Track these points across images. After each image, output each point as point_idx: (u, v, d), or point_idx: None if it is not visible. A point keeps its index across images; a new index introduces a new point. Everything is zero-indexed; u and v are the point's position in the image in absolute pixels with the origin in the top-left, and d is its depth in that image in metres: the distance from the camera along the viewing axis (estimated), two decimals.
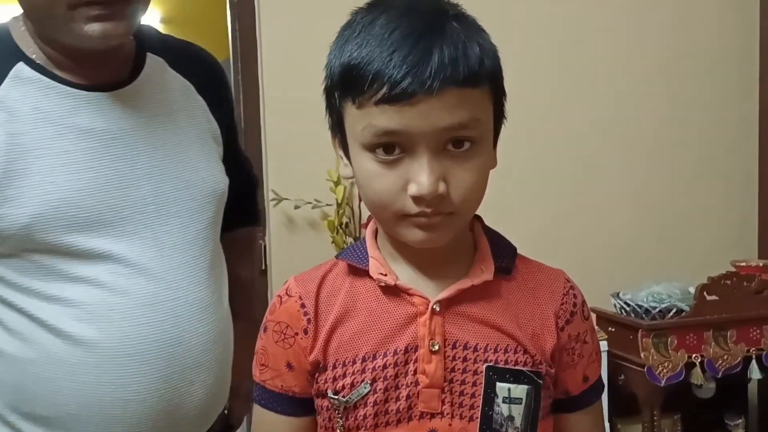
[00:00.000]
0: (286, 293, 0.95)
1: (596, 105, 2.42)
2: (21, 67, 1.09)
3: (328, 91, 0.88)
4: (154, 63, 1.21)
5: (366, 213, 2.05)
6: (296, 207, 2.19)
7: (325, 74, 0.88)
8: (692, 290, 2.07)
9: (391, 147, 0.82)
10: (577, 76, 2.40)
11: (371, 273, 0.90)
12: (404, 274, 0.91)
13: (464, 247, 0.93)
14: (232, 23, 2.28)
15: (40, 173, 1.06)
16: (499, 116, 0.89)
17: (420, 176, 0.80)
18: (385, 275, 0.90)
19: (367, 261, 0.92)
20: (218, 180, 1.25)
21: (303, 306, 0.93)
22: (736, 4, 2.50)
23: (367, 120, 0.81)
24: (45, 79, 1.09)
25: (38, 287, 1.08)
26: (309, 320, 0.92)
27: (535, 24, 2.37)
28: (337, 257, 0.96)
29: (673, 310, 2.02)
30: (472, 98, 0.82)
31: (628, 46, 2.43)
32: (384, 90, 0.79)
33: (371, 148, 0.83)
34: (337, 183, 2.13)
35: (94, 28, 1.04)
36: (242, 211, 1.39)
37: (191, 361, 1.14)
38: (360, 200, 2.01)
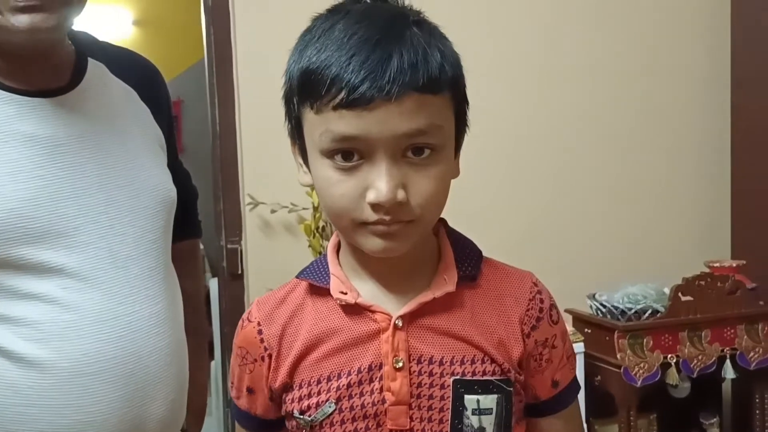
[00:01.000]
0: (248, 318, 0.95)
1: (570, 108, 2.43)
2: None
3: (287, 97, 0.87)
4: (95, 68, 1.17)
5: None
6: (272, 211, 2.18)
7: (284, 80, 0.87)
8: (667, 291, 2.08)
9: (349, 153, 0.80)
10: (551, 80, 2.41)
11: (332, 292, 0.89)
12: (367, 290, 0.89)
13: (428, 257, 0.92)
14: (206, 28, 2.26)
15: None
16: (461, 125, 0.88)
17: (378, 183, 0.79)
18: (346, 294, 0.88)
19: (328, 279, 0.90)
20: (168, 187, 1.22)
21: (260, 333, 0.92)
22: (708, 8, 2.52)
23: (324, 125, 0.80)
24: None
25: None
26: (266, 348, 0.91)
27: (508, 29, 2.38)
28: (297, 276, 0.94)
29: (649, 311, 2.03)
30: (432, 105, 0.80)
31: (602, 50, 2.45)
32: (342, 95, 0.77)
33: (330, 154, 0.81)
34: (313, 187, 2.12)
35: (21, 19, 0.99)
36: (184, 224, 1.34)
37: (151, 377, 1.10)
38: None
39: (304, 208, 2.17)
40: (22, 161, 1.03)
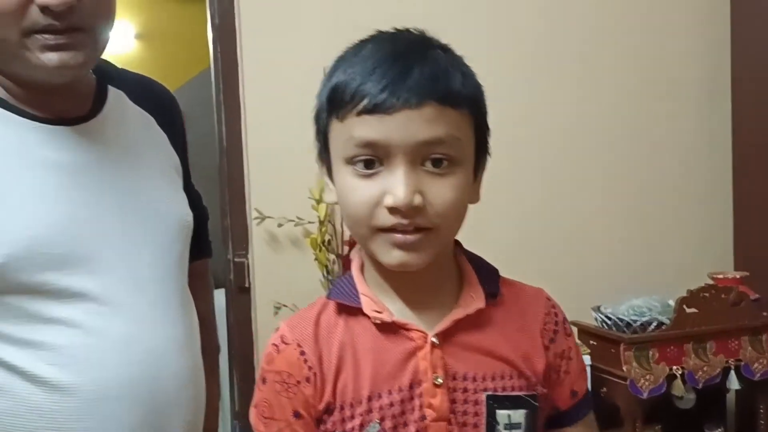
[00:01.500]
0: (282, 341, 0.93)
1: (573, 118, 2.45)
2: None
3: (317, 116, 0.91)
4: (115, 96, 1.19)
5: (348, 231, 2.04)
6: (279, 225, 2.19)
7: (315, 103, 0.91)
8: (672, 303, 2.09)
9: (370, 162, 0.84)
10: (554, 89, 2.43)
11: (365, 310, 0.90)
12: (395, 308, 0.91)
13: (450, 275, 0.94)
14: (213, 44, 2.28)
15: (9, 209, 1.01)
16: (481, 149, 0.91)
17: (396, 187, 0.82)
18: (380, 312, 0.89)
19: (358, 298, 0.91)
20: (185, 212, 1.24)
21: (303, 353, 0.91)
22: (708, 16, 2.54)
23: (348, 132, 0.84)
24: (6, 113, 1.05)
25: (10, 331, 1.02)
26: (311, 367, 0.90)
27: (506, 30, 2.40)
28: (327, 297, 0.95)
29: (654, 323, 2.04)
30: (451, 116, 0.84)
31: (602, 62, 2.46)
32: (365, 102, 0.82)
33: (352, 161, 0.85)
34: (319, 201, 2.14)
35: (50, 57, 1.00)
36: (195, 244, 1.35)
37: (170, 400, 1.11)
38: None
39: (310, 222, 2.18)
40: (46, 188, 1.04)
